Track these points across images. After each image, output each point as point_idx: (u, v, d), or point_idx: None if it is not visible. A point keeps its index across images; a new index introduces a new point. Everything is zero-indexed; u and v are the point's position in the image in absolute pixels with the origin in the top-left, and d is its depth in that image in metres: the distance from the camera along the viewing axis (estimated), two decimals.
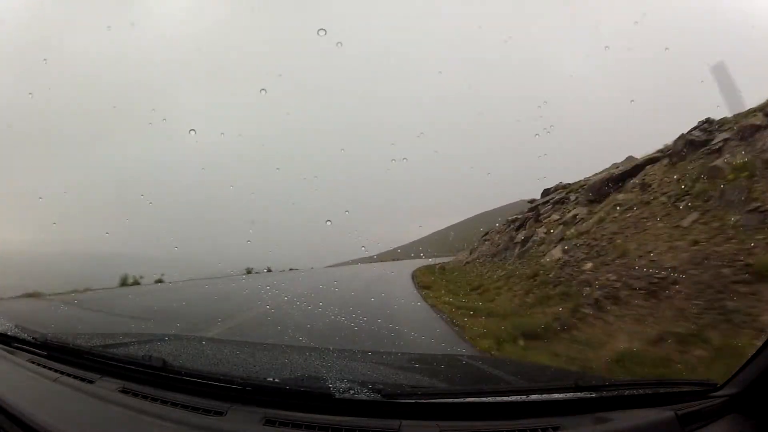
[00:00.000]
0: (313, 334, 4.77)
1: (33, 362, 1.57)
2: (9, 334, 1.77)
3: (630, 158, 11.63)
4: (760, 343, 1.20)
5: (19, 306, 7.53)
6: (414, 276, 15.63)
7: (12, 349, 1.70)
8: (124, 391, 1.28)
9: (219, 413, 1.13)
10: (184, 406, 1.17)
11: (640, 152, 10.78)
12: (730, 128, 7.95)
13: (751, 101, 8.17)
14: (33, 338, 1.69)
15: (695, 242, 5.65)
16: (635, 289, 5.53)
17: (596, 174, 12.81)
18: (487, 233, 19.59)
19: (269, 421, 1.09)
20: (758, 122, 7.25)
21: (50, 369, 1.48)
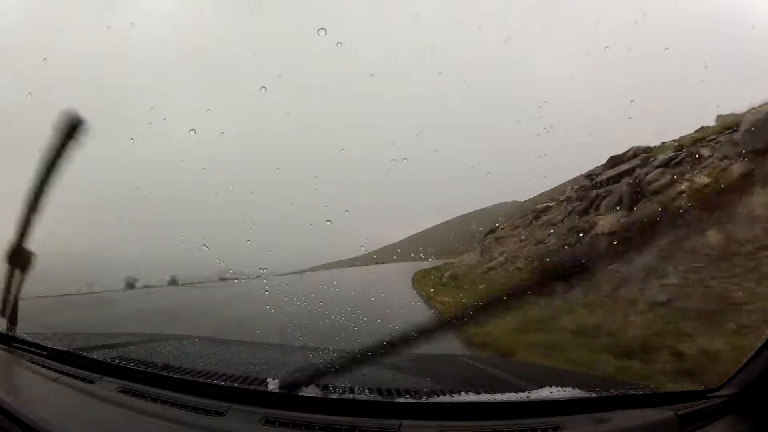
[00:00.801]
0: (313, 334, 4.77)
1: (33, 362, 1.56)
2: (9, 334, 1.77)
3: None
4: (760, 344, 1.20)
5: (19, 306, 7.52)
6: (426, 297, 10.24)
7: (12, 349, 1.70)
8: (124, 391, 1.28)
9: (219, 413, 1.13)
10: (184, 406, 1.17)
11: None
12: None
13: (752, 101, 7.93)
14: (33, 338, 1.69)
15: None
16: None
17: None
18: (493, 230, 17.14)
19: (269, 421, 1.09)
20: None
21: (50, 369, 1.48)
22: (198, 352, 2.01)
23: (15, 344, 1.72)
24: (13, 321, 1.80)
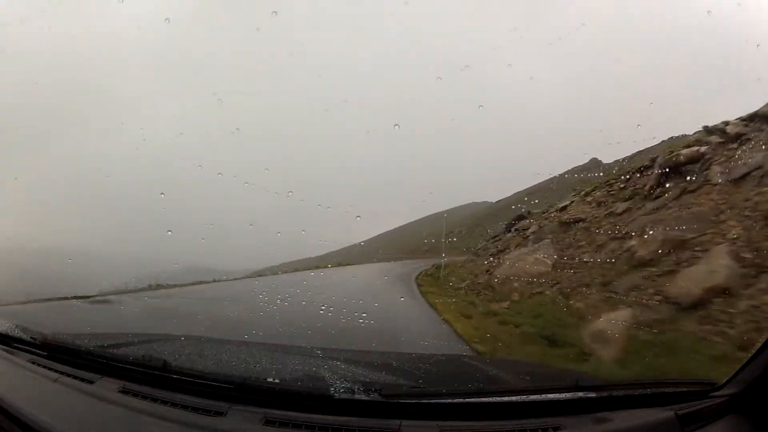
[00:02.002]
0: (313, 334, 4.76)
1: (33, 362, 1.56)
2: (9, 334, 1.77)
3: None
4: (760, 344, 1.20)
5: (18, 306, 7.52)
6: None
7: (12, 349, 1.70)
8: (124, 391, 1.28)
9: (219, 413, 1.13)
10: (184, 406, 1.17)
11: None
12: None
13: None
14: (33, 338, 1.69)
15: None
16: None
17: None
18: (512, 226, 13.56)
19: (269, 421, 1.10)
20: None
21: (50, 369, 1.48)
22: (198, 352, 2.01)
23: (15, 344, 1.72)
24: (13, 321, 1.80)
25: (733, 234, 5.96)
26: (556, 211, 11.73)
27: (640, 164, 9.56)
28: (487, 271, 11.25)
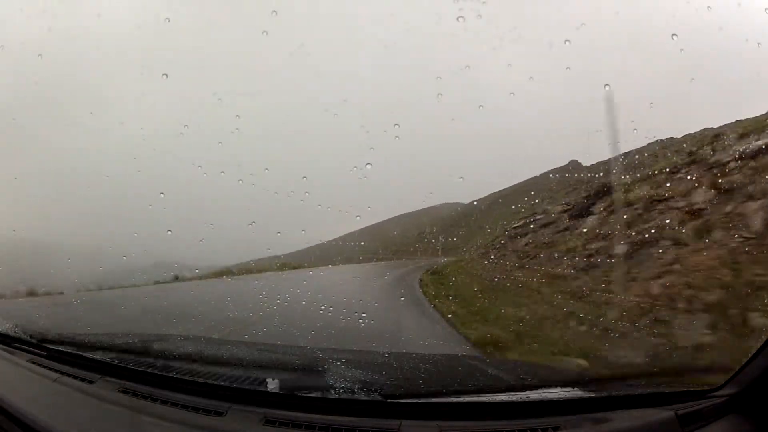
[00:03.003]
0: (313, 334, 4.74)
1: (33, 362, 1.57)
2: (9, 334, 1.77)
3: None
4: (760, 344, 1.20)
5: (19, 306, 7.49)
6: None
7: (12, 349, 1.71)
8: (124, 391, 1.28)
9: (219, 413, 1.13)
10: (184, 406, 1.17)
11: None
12: None
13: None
14: (33, 338, 1.69)
15: None
16: None
17: None
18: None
19: (269, 421, 1.10)
20: None
21: (50, 369, 1.48)
22: (198, 352, 2.01)
23: (15, 344, 1.72)
24: (13, 321, 1.80)
25: None
26: None
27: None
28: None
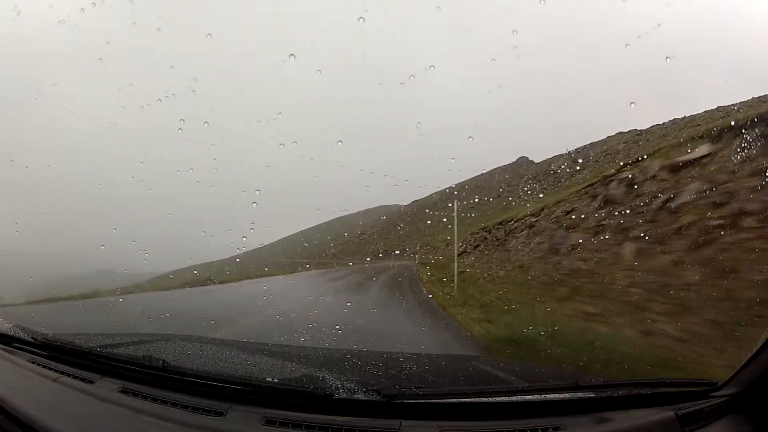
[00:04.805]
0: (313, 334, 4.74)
1: (33, 362, 1.57)
2: (9, 334, 1.77)
3: None
4: (760, 344, 1.20)
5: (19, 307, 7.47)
6: None
7: (12, 349, 1.71)
8: (125, 391, 1.29)
9: (219, 413, 1.13)
10: (184, 406, 1.17)
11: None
12: None
13: None
14: (33, 338, 1.69)
15: None
16: None
17: None
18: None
19: (269, 421, 1.10)
20: None
21: (50, 369, 1.48)
22: (198, 352, 2.01)
23: (15, 344, 1.72)
24: (13, 321, 1.80)
25: None
26: None
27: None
28: None
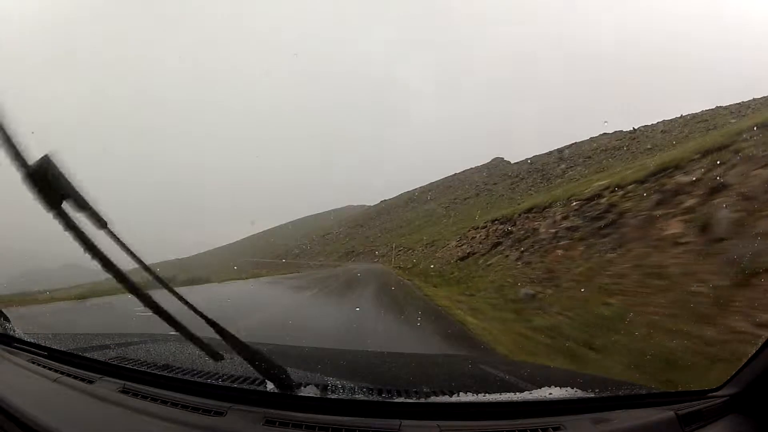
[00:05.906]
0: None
1: (33, 362, 1.56)
2: (9, 334, 1.77)
3: None
4: (760, 344, 1.20)
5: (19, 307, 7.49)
6: None
7: (12, 349, 1.71)
8: (125, 391, 1.28)
9: (219, 413, 1.13)
10: (184, 406, 1.17)
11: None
12: None
13: None
14: (33, 338, 1.69)
15: None
16: None
17: None
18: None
19: (269, 421, 1.09)
20: None
21: (50, 369, 1.48)
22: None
23: (15, 344, 1.72)
24: (13, 321, 1.80)
25: None
26: None
27: None
28: None
